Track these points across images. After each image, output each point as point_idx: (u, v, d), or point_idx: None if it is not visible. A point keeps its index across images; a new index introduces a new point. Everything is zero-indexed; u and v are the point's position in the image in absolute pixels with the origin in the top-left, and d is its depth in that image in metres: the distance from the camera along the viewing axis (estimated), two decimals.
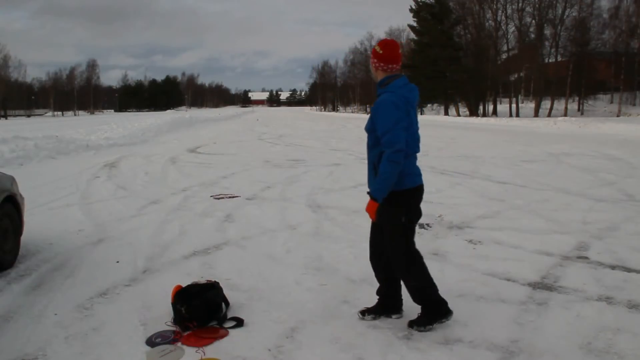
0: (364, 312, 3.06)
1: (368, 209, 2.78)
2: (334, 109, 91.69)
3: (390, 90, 2.76)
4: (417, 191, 2.85)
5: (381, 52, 2.81)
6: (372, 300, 3.15)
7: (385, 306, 3.07)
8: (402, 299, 3.07)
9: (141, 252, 4.46)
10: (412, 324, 2.90)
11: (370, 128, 2.81)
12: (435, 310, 2.90)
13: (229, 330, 2.95)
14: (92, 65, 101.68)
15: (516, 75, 44.69)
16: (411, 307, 3.01)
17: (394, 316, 3.05)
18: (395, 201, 2.75)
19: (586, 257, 4.17)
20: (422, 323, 2.88)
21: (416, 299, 2.93)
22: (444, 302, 2.91)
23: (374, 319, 3.04)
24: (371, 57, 2.88)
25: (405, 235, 2.84)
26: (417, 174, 2.85)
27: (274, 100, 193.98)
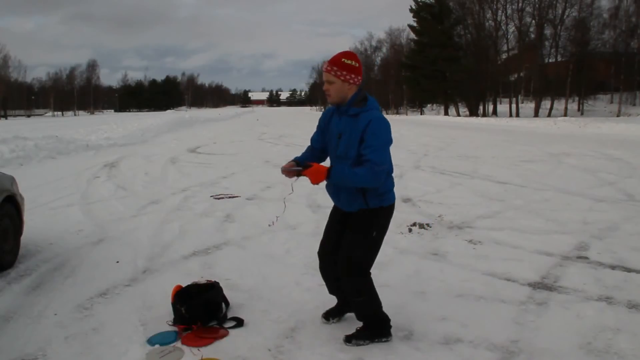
0: (328, 317, 3.01)
1: (313, 173, 2.51)
2: None
3: (374, 107, 2.59)
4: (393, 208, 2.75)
5: (357, 64, 2.57)
6: None
7: (346, 305, 2.97)
8: None
9: (141, 252, 4.46)
10: (349, 339, 2.73)
11: (355, 148, 2.55)
12: (379, 327, 2.77)
13: (229, 330, 2.95)
14: (92, 66, 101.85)
15: (516, 75, 44.67)
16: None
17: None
18: (382, 214, 2.67)
19: (586, 257, 4.17)
20: (362, 337, 2.73)
21: (361, 314, 2.78)
22: (387, 320, 2.79)
23: (339, 321, 3.01)
24: (339, 71, 2.54)
25: (376, 248, 2.72)
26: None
27: (274, 100, 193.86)
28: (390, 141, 2.57)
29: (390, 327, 2.80)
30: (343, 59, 2.54)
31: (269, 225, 3.70)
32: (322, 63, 2.64)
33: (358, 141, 2.53)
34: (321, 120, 2.84)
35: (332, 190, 2.77)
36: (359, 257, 2.65)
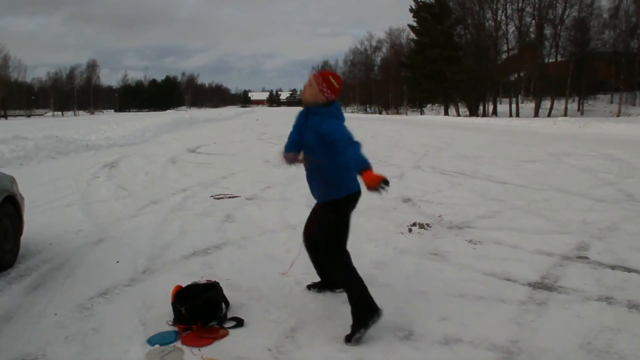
0: (310, 286, 3.52)
1: (373, 179, 2.61)
2: None
3: (334, 109, 3.01)
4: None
5: (337, 87, 3.01)
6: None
7: (328, 283, 3.44)
8: None
9: (141, 252, 4.46)
10: (349, 338, 2.79)
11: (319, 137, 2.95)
12: (365, 308, 2.88)
13: (229, 330, 2.95)
14: (92, 66, 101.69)
15: (516, 75, 44.67)
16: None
17: (337, 290, 3.39)
18: (349, 199, 3.05)
19: (586, 257, 4.17)
20: (357, 329, 2.80)
21: (345, 290, 3.02)
22: (371, 298, 2.91)
23: (319, 291, 3.47)
24: (322, 82, 2.99)
25: (346, 227, 3.11)
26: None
27: (274, 100, 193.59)
28: (343, 124, 2.94)
29: (375, 305, 2.87)
30: (330, 77, 3.03)
31: (282, 273, 3.73)
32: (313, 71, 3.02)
33: (320, 132, 2.91)
34: (298, 120, 3.18)
35: (309, 183, 3.20)
36: (331, 236, 3.03)
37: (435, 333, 2.86)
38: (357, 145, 2.75)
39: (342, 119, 3.01)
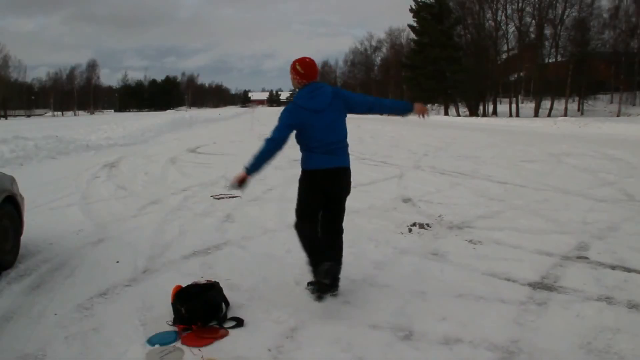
0: (309, 283, 3.52)
1: (238, 181, 3.33)
2: None
3: (294, 98, 3.33)
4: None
5: (303, 72, 3.30)
6: (372, 299, 3.16)
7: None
8: (338, 278, 3.35)
9: (141, 252, 4.46)
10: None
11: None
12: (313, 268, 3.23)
13: (229, 330, 2.95)
14: (92, 66, 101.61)
15: (516, 75, 44.66)
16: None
17: (334, 292, 3.34)
18: (303, 175, 3.42)
19: (586, 257, 4.17)
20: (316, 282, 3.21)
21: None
22: (317, 265, 3.13)
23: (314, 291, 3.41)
24: (292, 71, 3.33)
25: (300, 200, 3.45)
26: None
27: (274, 100, 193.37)
28: (282, 120, 3.28)
29: (320, 271, 3.08)
30: (296, 63, 3.32)
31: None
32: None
33: None
34: None
35: None
36: (297, 202, 3.45)
37: (435, 333, 2.86)
38: (265, 143, 3.21)
39: (304, 106, 3.22)
